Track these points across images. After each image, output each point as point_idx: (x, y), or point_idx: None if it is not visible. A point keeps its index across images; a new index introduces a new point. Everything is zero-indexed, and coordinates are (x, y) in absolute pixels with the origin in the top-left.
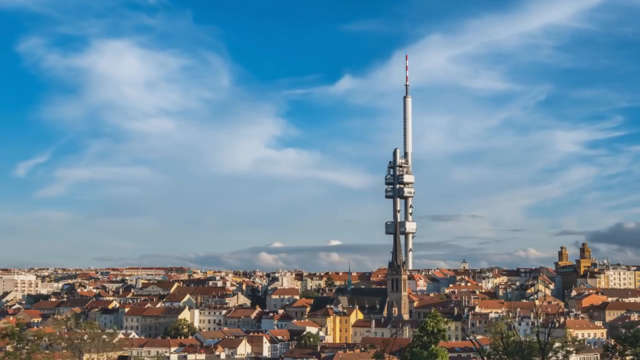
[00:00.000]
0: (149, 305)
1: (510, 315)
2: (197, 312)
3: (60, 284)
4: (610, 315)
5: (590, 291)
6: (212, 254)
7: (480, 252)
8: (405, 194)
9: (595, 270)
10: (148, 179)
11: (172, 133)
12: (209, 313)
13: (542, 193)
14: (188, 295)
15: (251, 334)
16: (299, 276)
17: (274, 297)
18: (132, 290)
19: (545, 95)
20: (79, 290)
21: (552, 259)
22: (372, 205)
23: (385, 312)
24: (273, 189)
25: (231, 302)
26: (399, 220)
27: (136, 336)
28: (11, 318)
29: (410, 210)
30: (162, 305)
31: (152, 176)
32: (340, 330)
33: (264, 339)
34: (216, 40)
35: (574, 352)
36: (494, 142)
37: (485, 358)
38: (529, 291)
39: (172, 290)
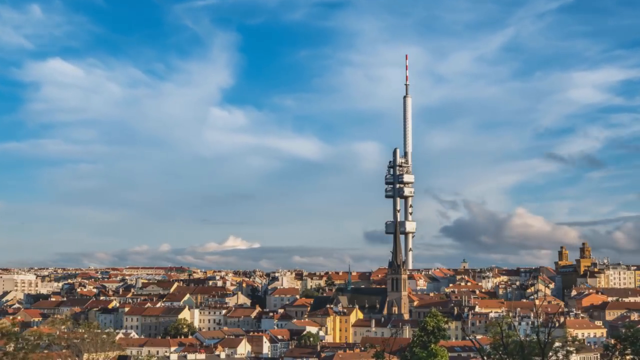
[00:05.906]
0: (148, 305)
1: (510, 315)
2: (197, 311)
3: (60, 284)
4: (610, 315)
5: (590, 291)
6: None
7: None
8: (406, 193)
9: (595, 269)
10: (66, 155)
11: (70, 84)
12: (209, 313)
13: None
14: (188, 295)
15: (251, 333)
16: (299, 276)
17: (274, 296)
18: (132, 290)
19: None
20: (79, 290)
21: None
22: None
23: (385, 312)
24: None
25: (231, 301)
26: (399, 220)
27: (136, 336)
28: (11, 318)
29: (410, 210)
30: (162, 305)
31: (67, 149)
32: (340, 330)
33: (264, 339)
34: None
35: (574, 351)
36: (483, 88)
37: (485, 358)
38: (529, 291)
39: (172, 290)
